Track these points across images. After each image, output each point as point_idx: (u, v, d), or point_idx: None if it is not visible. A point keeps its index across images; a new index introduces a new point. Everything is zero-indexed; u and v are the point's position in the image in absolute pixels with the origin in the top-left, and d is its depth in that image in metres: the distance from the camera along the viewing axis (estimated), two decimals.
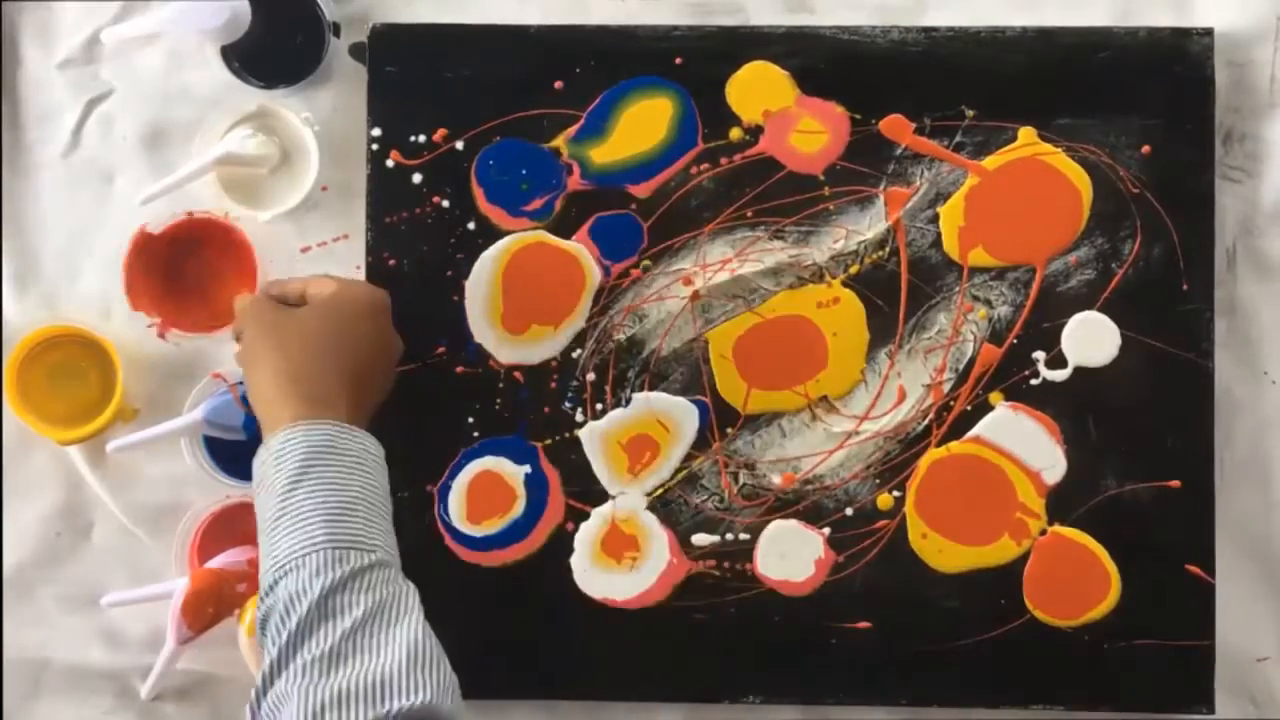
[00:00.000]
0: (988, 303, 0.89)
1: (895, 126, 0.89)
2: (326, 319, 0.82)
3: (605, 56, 0.89)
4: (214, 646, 0.90)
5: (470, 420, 0.89)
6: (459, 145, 0.90)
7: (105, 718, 0.91)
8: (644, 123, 0.89)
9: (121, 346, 0.89)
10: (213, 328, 0.88)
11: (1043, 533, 0.88)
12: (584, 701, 0.89)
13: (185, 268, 0.90)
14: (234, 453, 0.89)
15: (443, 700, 0.70)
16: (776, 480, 0.89)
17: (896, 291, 0.89)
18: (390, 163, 0.90)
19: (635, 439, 0.89)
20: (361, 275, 0.90)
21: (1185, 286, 0.88)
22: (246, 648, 0.86)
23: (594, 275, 0.89)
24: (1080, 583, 0.88)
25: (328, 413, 0.78)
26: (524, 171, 0.89)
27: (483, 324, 0.89)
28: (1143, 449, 0.88)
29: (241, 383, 0.85)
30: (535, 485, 0.89)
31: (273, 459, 0.76)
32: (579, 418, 0.89)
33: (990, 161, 0.89)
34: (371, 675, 0.69)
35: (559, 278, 0.89)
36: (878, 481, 0.88)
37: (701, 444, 0.89)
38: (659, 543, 0.89)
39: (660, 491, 0.89)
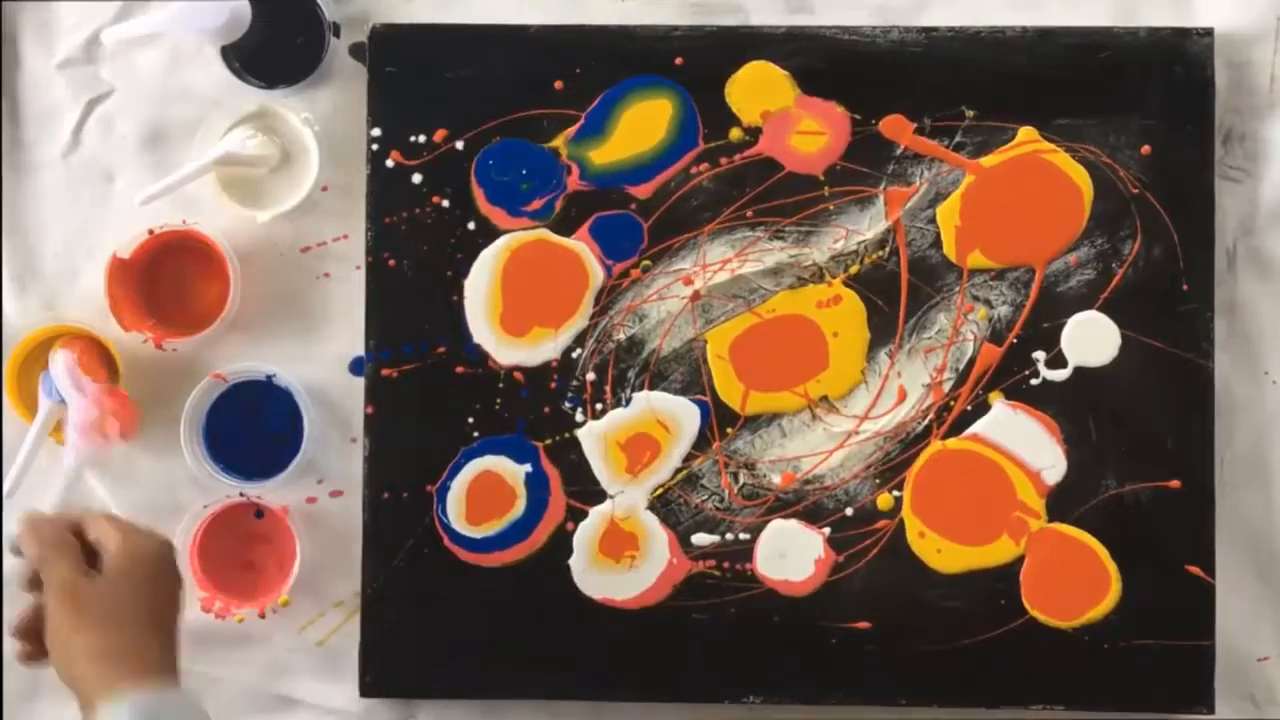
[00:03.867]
0: (988, 302, 0.89)
1: (895, 126, 0.89)
2: (133, 584, 0.77)
3: (605, 56, 0.89)
4: (214, 646, 0.90)
5: (470, 420, 0.89)
6: (459, 145, 0.90)
7: None
8: (644, 123, 0.89)
9: (122, 346, 0.89)
10: (203, 327, 0.88)
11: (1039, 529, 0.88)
12: (584, 701, 0.89)
13: (163, 279, 0.91)
14: (234, 452, 0.89)
15: None
16: (776, 480, 0.89)
17: (896, 291, 0.89)
18: (390, 163, 0.90)
19: (635, 439, 0.89)
20: (362, 275, 0.90)
21: (1185, 286, 0.88)
22: None
23: (596, 274, 0.89)
24: (1080, 583, 0.88)
25: (149, 680, 0.74)
26: (524, 172, 0.89)
27: (482, 324, 0.89)
28: (1143, 449, 0.88)
29: None
30: (536, 484, 0.89)
31: None
32: (579, 418, 0.89)
33: (989, 160, 0.89)
34: None
35: (560, 277, 0.89)
36: (878, 481, 0.88)
37: (702, 444, 0.89)
38: (659, 542, 0.89)
39: (660, 491, 0.89)
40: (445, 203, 0.90)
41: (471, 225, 0.90)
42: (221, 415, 0.90)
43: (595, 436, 0.89)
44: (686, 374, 0.89)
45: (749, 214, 0.89)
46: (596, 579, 0.89)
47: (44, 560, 0.76)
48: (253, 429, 0.90)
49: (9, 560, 0.78)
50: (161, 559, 0.78)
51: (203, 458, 0.89)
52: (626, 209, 0.89)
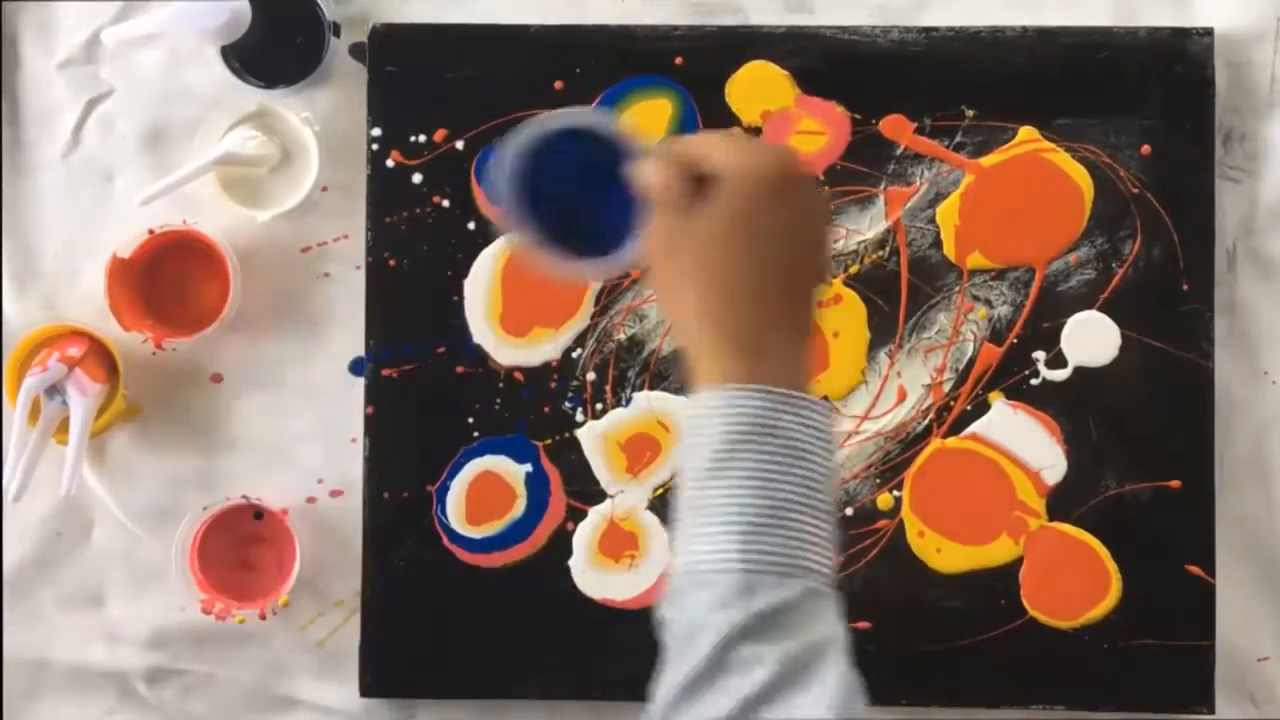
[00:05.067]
0: (988, 302, 0.89)
1: (895, 126, 0.89)
2: (737, 219, 0.62)
3: (605, 56, 0.89)
4: (214, 646, 0.90)
5: (470, 420, 0.89)
6: (459, 145, 0.90)
7: (106, 717, 0.91)
8: (644, 123, 0.89)
9: (122, 346, 0.89)
10: (203, 327, 0.88)
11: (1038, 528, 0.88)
12: (584, 701, 0.89)
13: (162, 279, 0.91)
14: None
15: None
16: None
17: (897, 291, 0.89)
18: (390, 163, 0.90)
19: (635, 439, 0.89)
20: (362, 275, 0.90)
21: (1185, 286, 0.88)
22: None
23: None
24: (1080, 583, 0.88)
25: (762, 365, 0.61)
26: None
27: (482, 324, 0.89)
28: (1143, 449, 0.88)
29: None
30: (537, 484, 0.89)
31: (697, 423, 0.61)
32: (579, 418, 0.89)
33: (989, 160, 0.89)
34: None
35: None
36: (878, 481, 0.88)
37: None
38: (659, 542, 0.89)
39: (661, 491, 0.89)
40: (445, 203, 0.90)
41: (471, 225, 0.90)
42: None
43: (595, 436, 0.89)
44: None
45: None
46: (596, 579, 0.89)
47: (649, 188, 0.64)
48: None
49: None
50: (782, 176, 0.63)
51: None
52: None
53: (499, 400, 0.89)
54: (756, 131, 0.89)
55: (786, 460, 0.60)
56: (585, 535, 0.89)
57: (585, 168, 0.71)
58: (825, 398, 0.88)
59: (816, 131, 0.89)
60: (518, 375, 0.89)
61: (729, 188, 0.62)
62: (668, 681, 0.59)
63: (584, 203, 0.71)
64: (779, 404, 0.60)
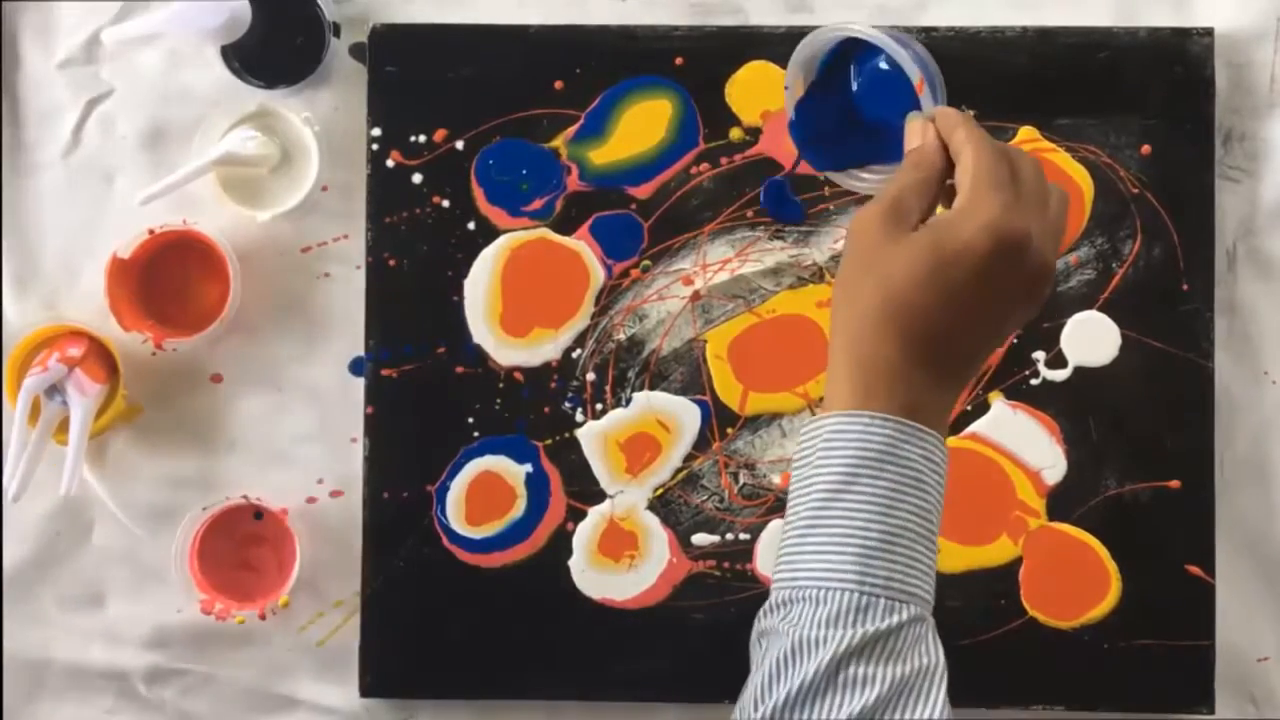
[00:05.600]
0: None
1: None
2: (954, 273, 0.62)
3: (605, 56, 0.89)
4: (214, 646, 0.90)
5: (470, 420, 0.89)
6: (459, 145, 0.90)
7: (106, 717, 0.91)
8: (644, 123, 0.89)
9: (122, 346, 0.89)
10: (203, 327, 0.88)
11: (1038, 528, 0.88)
12: (584, 701, 0.89)
13: (162, 279, 0.91)
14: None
15: None
16: (776, 480, 0.89)
17: None
18: (390, 163, 0.90)
19: (634, 439, 0.89)
20: (362, 275, 0.90)
21: (1185, 286, 0.88)
22: None
23: (597, 274, 0.89)
24: (1080, 583, 0.88)
25: (898, 399, 0.62)
26: (524, 172, 0.90)
27: (482, 324, 0.89)
28: (1143, 449, 0.88)
29: None
30: (537, 484, 0.89)
31: (822, 444, 0.62)
32: (579, 418, 0.89)
33: None
34: None
35: (561, 277, 0.89)
36: None
37: (702, 444, 0.89)
38: (659, 542, 0.89)
39: (660, 491, 0.89)
40: (445, 203, 0.90)
41: (471, 225, 0.90)
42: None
43: (595, 436, 0.89)
44: (686, 374, 0.89)
45: (749, 214, 0.89)
46: (596, 579, 0.89)
47: (902, 174, 0.65)
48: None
49: None
50: (1009, 245, 0.62)
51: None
52: (626, 209, 0.89)
53: (499, 400, 0.89)
54: (756, 132, 0.89)
55: (906, 489, 0.62)
56: (585, 535, 0.89)
57: (877, 77, 0.73)
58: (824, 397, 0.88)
59: None
60: (518, 375, 0.89)
61: (971, 240, 0.62)
62: (770, 691, 0.60)
63: (864, 111, 0.73)
64: (906, 435, 0.62)
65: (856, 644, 0.59)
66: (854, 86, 0.75)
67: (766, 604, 0.63)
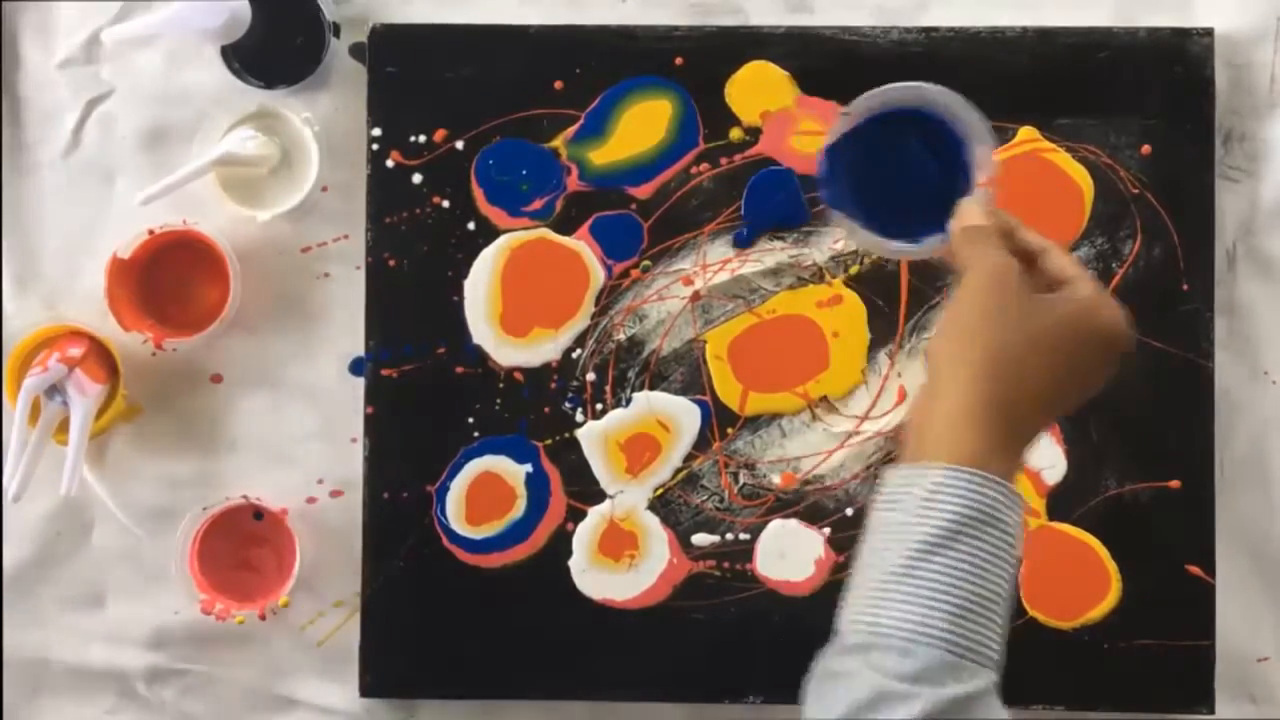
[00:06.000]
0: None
1: None
2: (1075, 341, 0.65)
3: (605, 56, 0.89)
4: (214, 646, 0.90)
5: (470, 420, 0.89)
6: (459, 145, 0.90)
7: (106, 717, 0.91)
8: (644, 123, 0.89)
9: (122, 346, 0.89)
10: (203, 327, 0.88)
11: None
12: (584, 701, 0.89)
13: (162, 279, 0.91)
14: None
15: None
16: (776, 480, 0.89)
17: (897, 291, 0.89)
18: (390, 163, 0.90)
19: (634, 439, 0.89)
20: (362, 275, 0.90)
21: (1185, 286, 0.88)
22: None
23: (597, 274, 0.89)
24: (1080, 583, 0.88)
25: (1009, 464, 0.63)
26: (524, 172, 0.89)
27: (482, 324, 0.89)
28: (1143, 449, 0.88)
29: None
30: (537, 484, 0.89)
31: (925, 494, 0.62)
32: (579, 418, 0.89)
33: None
34: None
35: (562, 277, 0.89)
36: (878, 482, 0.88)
37: (702, 444, 0.89)
38: (659, 542, 0.89)
39: (660, 491, 0.89)
40: (445, 203, 0.90)
41: (471, 225, 0.90)
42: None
43: (595, 436, 0.89)
44: (686, 374, 0.89)
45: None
46: (596, 579, 0.89)
47: (978, 245, 0.67)
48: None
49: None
50: (1114, 337, 0.66)
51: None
52: (626, 209, 0.89)
53: (499, 400, 0.89)
54: (756, 131, 0.89)
55: (1001, 553, 0.61)
56: (585, 535, 0.89)
57: (915, 140, 0.74)
58: (825, 397, 0.88)
59: (816, 131, 0.89)
60: (518, 375, 0.89)
61: (1109, 325, 0.66)
62: None
63: (904, 175, 0.74)
64: (1010, 501, 0.62)
65: (944, 704, 0.59)
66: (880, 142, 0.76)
67: (838, 642, 0.63)
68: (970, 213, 0.70)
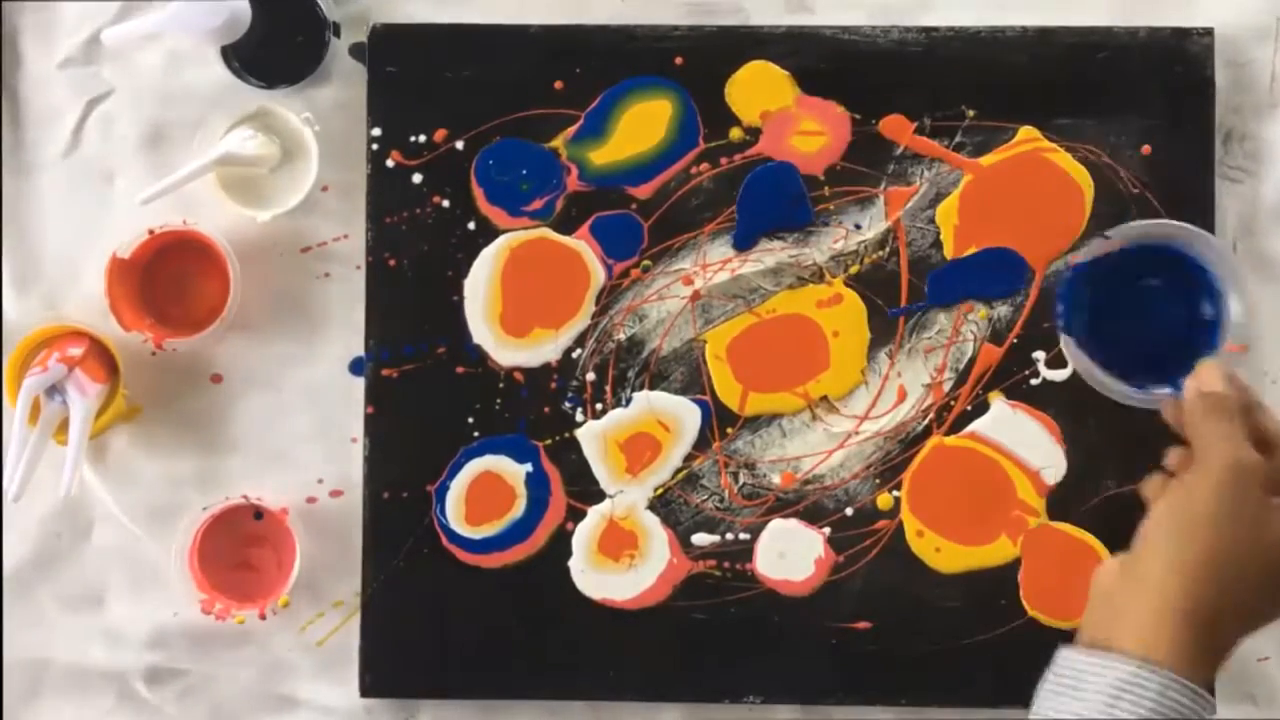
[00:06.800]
0: (988, 302, 0.89)
1: (895, 126, 0.89)
2: None
3: (605, 56, 0.89)
4: (214, 646, 0.90)
5: (470, 420, 0.89)
6: (459, 145, 0.90)
7: (106, 717, 0.91)
8: (644, 123, 0.89)
9: (122, 346, 0.89)
10: (203, 327, 0.88)
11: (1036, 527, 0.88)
12: (584, 701, 0.89)
13: (162, 279, 0.91)
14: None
15: None
16: (776, 480, 0.89)
17: (896, 291, 0.89)
18: (390, 163, 0.90)
19: (634, 439, 0.89)
20: (362, 275, 0.90)
21: None
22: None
23: (598, 274, 0.89)
24: (1080, 583, 0.87)
25: (1206, 672, 0.61)
26: (524, 172, 0.90)
27: (482, 324, 0.89)
28: (1143, 449, 0.87)
29: None
30: (537, 484, 0.89)
31: (1113, 689, 0.60)
32: (579, 418, 0.89)
33: (988, 160, 0.89)
34: None
35: (562, 276, 0.89)
36: (878, 481, 0.88)
37: (702, 444, 0.89)
38: (659, 542, 0.89)
39: (660, 491, 0.89)
40: (445, 203, 0.90)
41: (471, 225, 0.90)
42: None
43: (595, 436, 0.89)
44: (686, 374, 0.89)
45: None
46: (596, 579, 0.89)
47: (1211, 420, 0.63)
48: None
49: None
50: None
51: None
52: (626, 209, 0.89)
53: (499, 400, 0.89)
54: (756, 131, 0.89)
55: None
56: (584, 535, 0.89)
57: (1166, 278, 0.74)
58: (825, 397, 0.88)
59: (816, 131, 0.89)
60: (518, 375, 0.89)
61: None
62: None
63: (1144, 312, 0.75)
64: (1204, 709, 0.60)
65: None
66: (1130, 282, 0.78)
67: None
68: (1212, 377, 0.67)
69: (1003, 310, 0.89)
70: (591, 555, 0.89)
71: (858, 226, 0.89)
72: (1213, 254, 0.72)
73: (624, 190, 0.89)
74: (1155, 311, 0.76)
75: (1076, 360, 0.74)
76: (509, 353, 0.89)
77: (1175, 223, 0.76)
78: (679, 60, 0.89)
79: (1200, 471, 0.64)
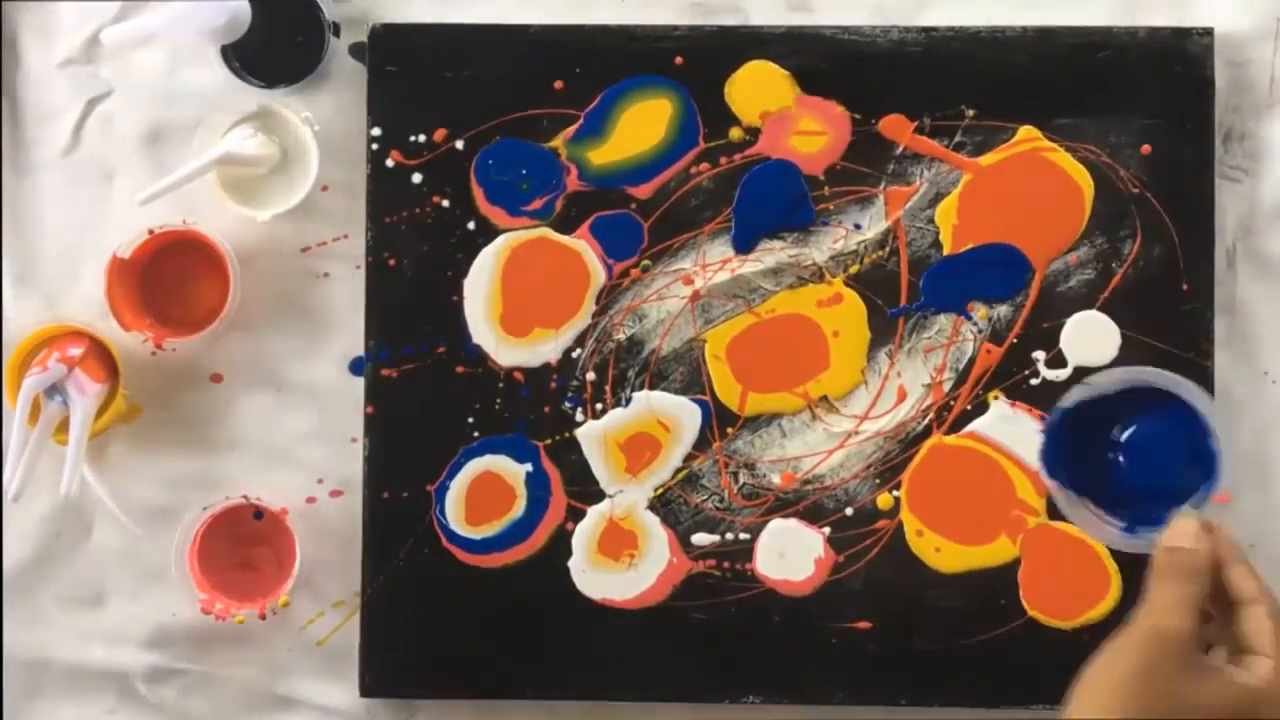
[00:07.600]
0: (988, 302, 0.89)
1: (895, 126, 0.89)
2: None
3: (605, 56, 0.89)
4: (214, 646, 0.90)
5: (470, 420, 0.89)
6: (459, 145, 0.90)
7: (106, 717, 0.91)
8: (644, 123, 0.89)
9: (122, 346, 0.89)
10: (203, 327, 0.88)
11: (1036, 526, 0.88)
12: (584, 701, 0.89)
13: (162, 279, 0.91)
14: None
15: None
16: (776, 480, 0.89)
17: (896, 291, 0.89)
18: (390, 163, 0.90)
19: (634, 439, 0.89)
20: (362, 275, 0.90)
21: (1185, 286, 0.88)
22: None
23: (598, 274, 0.89)
24: (1080, 583, 0.88)
25: None
26: (524, 171, 0.90)
27: (482, 324, 0.89)
28: None
29: None
30: (537, 484, 0.89)
31: None
32: (579, 418, 0.89)
33: (988, 159, 0.89)
34: None
35: (562, 276, 0.89)
36: (878, 481, 0.88)
37: (702, 444, 0.89)
38: (659, 542, 0.89)
39: (660, 491, 0.89)
40: (445, 202, 0.90)
41: (471, 225, 0.90)
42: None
43: (595, 436, 0.89)
44: (686, 374, 0.89)
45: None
46: (596, 579, 0.89)
47: (1164, 579, 0.62)
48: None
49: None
50: None
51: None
52: (626, 209, 0.89)
53: (499, 400, 0.89)
54: (756, 131, 0.89)
55: None
56: (584, 535, 0.89)
57: (1157, 422, 0.75)
58: (825, 397, 0.88)
59: (816, 131, 0.89)
60: (518, 375, 0.89)
61: (1254, 705, 0.61)
62: None
63: (1133, 456, 0.76)
64: None
65: None
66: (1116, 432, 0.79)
67: None
68: (1180, 532, 0.66)
69: (1003, 310, 0.89)
70: (591, 555, 0.89)
71: (857, 226, 0.89)
72: (1196, 399, 0.74)
73: (624, 190, 0.89)
74: (1146, 455, 0.78)
75: (1062, 500, 0.77)
76: (509, 352, 0.89)
77: (1155, 370, 0.77)
78: (679, 60, 0.89)
79: (1128, 631, 0.64)
